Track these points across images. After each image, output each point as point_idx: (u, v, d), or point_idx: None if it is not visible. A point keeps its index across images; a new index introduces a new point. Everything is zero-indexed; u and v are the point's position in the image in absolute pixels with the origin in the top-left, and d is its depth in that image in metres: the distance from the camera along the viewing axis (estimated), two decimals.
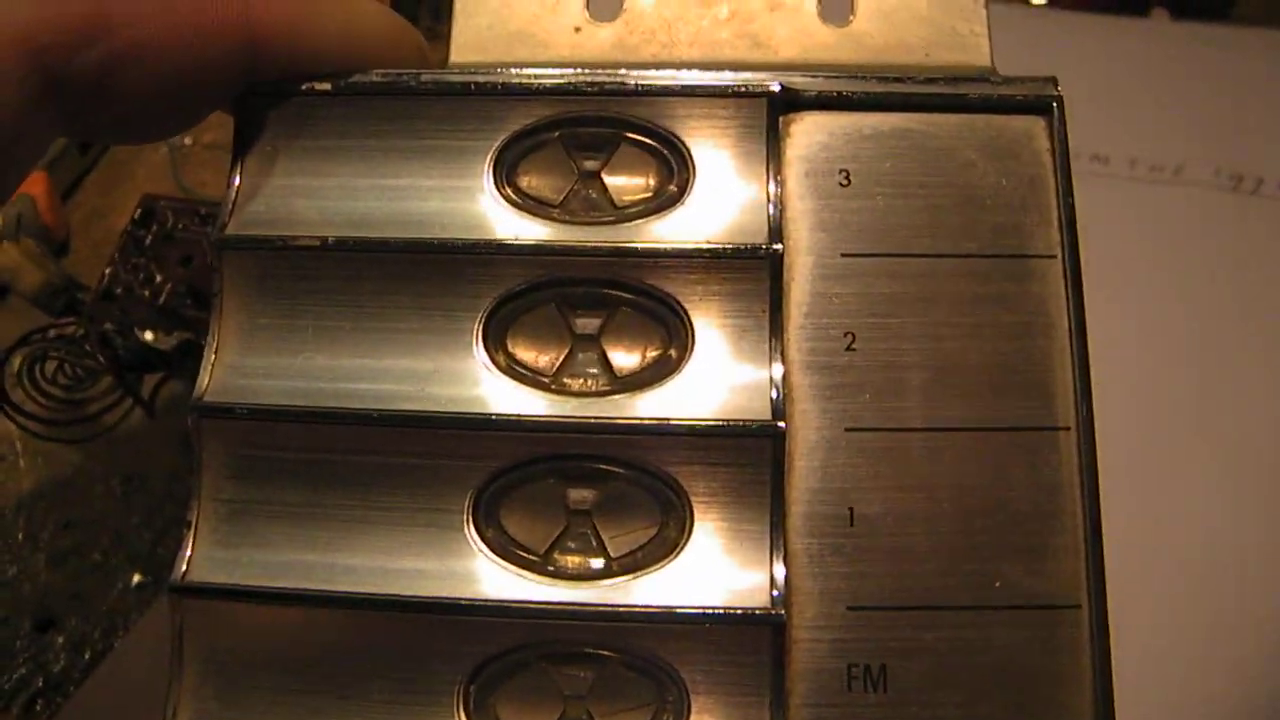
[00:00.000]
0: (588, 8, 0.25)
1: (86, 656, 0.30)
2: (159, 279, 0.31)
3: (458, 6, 0.25)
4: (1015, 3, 0.21)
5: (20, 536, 0.32)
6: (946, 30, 0.24)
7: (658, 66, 0.24)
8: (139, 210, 0.31)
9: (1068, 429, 0.21)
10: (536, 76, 0.22)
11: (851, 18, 0.25)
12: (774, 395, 0.20)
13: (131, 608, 0.31)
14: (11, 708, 0.27)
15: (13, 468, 0.34)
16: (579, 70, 0.22)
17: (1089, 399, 0.21)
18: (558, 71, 0.23)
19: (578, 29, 0.25)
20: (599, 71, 0.22)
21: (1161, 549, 0.28)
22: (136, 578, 0.32)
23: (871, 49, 0.24)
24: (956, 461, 0.21)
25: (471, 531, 0.20)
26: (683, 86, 0.22)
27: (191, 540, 0.20)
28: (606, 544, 0.20)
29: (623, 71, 0.22)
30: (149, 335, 0.31)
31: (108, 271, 0.31)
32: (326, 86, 0.22)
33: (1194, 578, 0.32)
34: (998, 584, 0.20)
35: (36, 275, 0.33)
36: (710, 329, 0.21)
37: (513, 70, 0.23)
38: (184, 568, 0.20)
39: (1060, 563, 0.20)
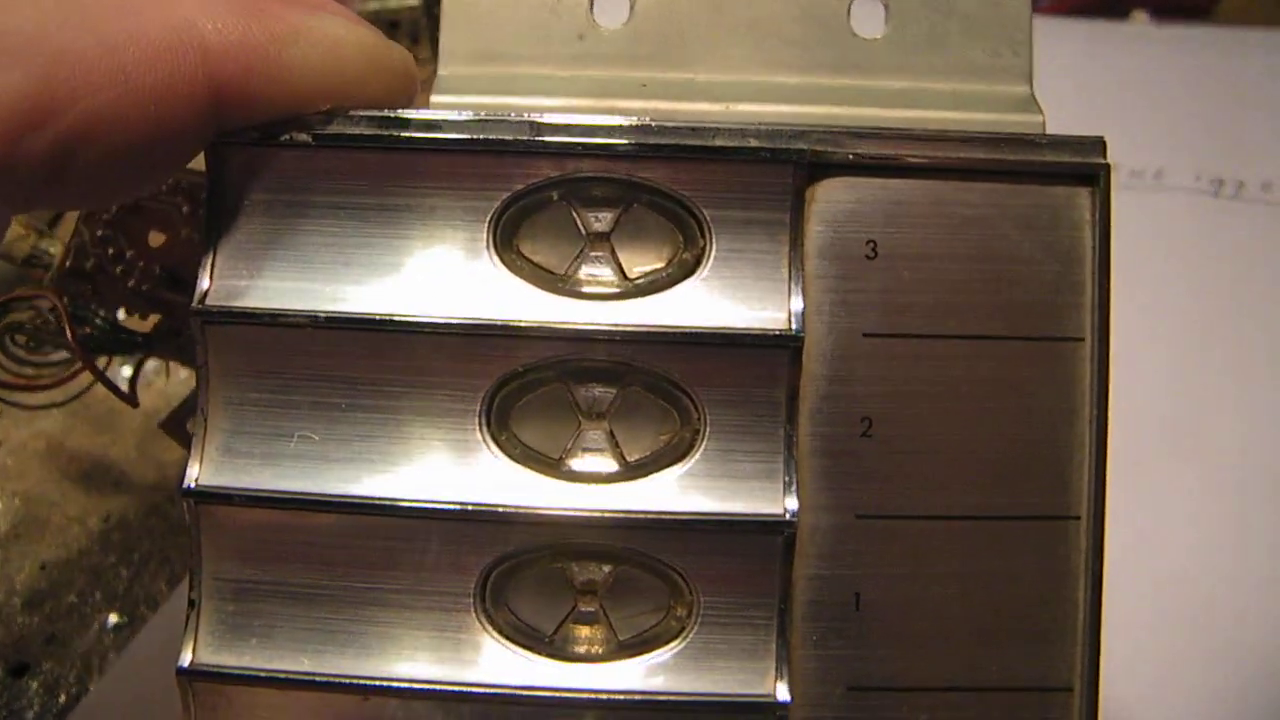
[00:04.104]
0: (592, 11, 0.22)
1: (61, 700, 0.30)
2: (130, 254, 0.29)
3: (446, 10, 0.22)
4: None
5: None
6: (985, 50, 0.22)
7: (669, 93, 0.22)
8: None
9: (1077, 518, 0.21)
10: (537, 125, 0.20)
11: (885, 29, 0.22)
12: (787, 491, 0.20)
13: (108, 649, 0.32)
14: None
15: None
16: (583, 117, 0.20)
17: (1102, 488, 0.21)
18: (560, 107, 0.21)
19: (581, 36, 0.22)
20: (606, 119, 0.20)
21: (1140, 556, 0.29)
22: (113, 618, 0.32)
23: (903, 68, 0.22)
24: (966, 549, 0.21)
25: (479, 613, 0.20)
26: (700, 147, 0.20)
27: (195, 621, 0.20)
28: (615, 626, 0.21)
29: (633, 120, 0.20)
30: (123, 315, 0.29)
31: (73, 244, 0.29)
32: (307, 138, 0.20)
33: (1173, 580, 0.33)
34: (995, 667, 0.21)
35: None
36: (723, 413, 0.20)
37: (510, 102, 0.21)
38: (190, 649, 0.20)
39: (1058, 647, 0.21)
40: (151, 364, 0.35)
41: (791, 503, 0.20)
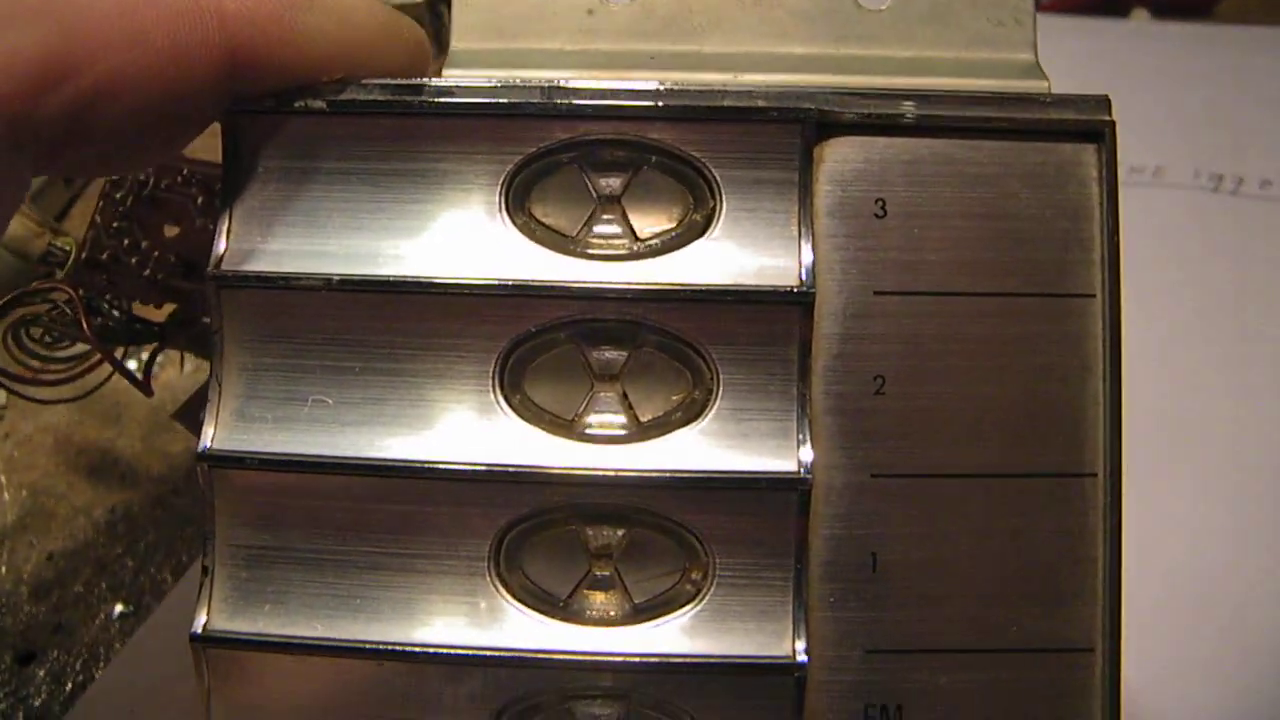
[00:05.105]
0: None
1: (68, 688, 0.31)
2: (145, 245, 0.29)
3: None
4: None
5: (3, 570, 0.32)
6: (989, 20, 0.22)
7: (678, 64, 0.22)
8: None
9: (1094, 475, 0.21)
10: (549, 89, 0.20)
11: (890, 0, 0.23)
12: (801, 448, 0.20)
13: (114, 638, 0.32)
14: None
15: None
16: (595, 81, 0.20)
17: (1118, 445, 0.21)
18: (571, 77, 0.21)
19: (590, 11, 0.23)
20: (617, 84, 0.20)
21: (1141, 550, 0.29)
22: (119, 608, 0.33)
23: (908, 38, 0.23)
24: (982, 507, 0.21)
25: (492, 576, 0.20)
26: (709, 108, 0.20)
27: (209, 588, 0.20)
28: (630, 590, 0.20)
29: (642, 85, 0.20)
30: (138, 306, 0.30)
31: (89, 235, 0.29)
32: (321, 105, 0.20)
33: (1175, 572, 0.32)
34: (1015, 628, 0.21)
35: (17, 226, 0.31)
36: (736, 372, 0.21)
37: (521, 75, 0.21)
38: (204, 615, 0.20)
39: (1078, 607, 0.21)
40: (158, 357, 0.36)
41: (806, 456, 0.20)
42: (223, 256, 0.20)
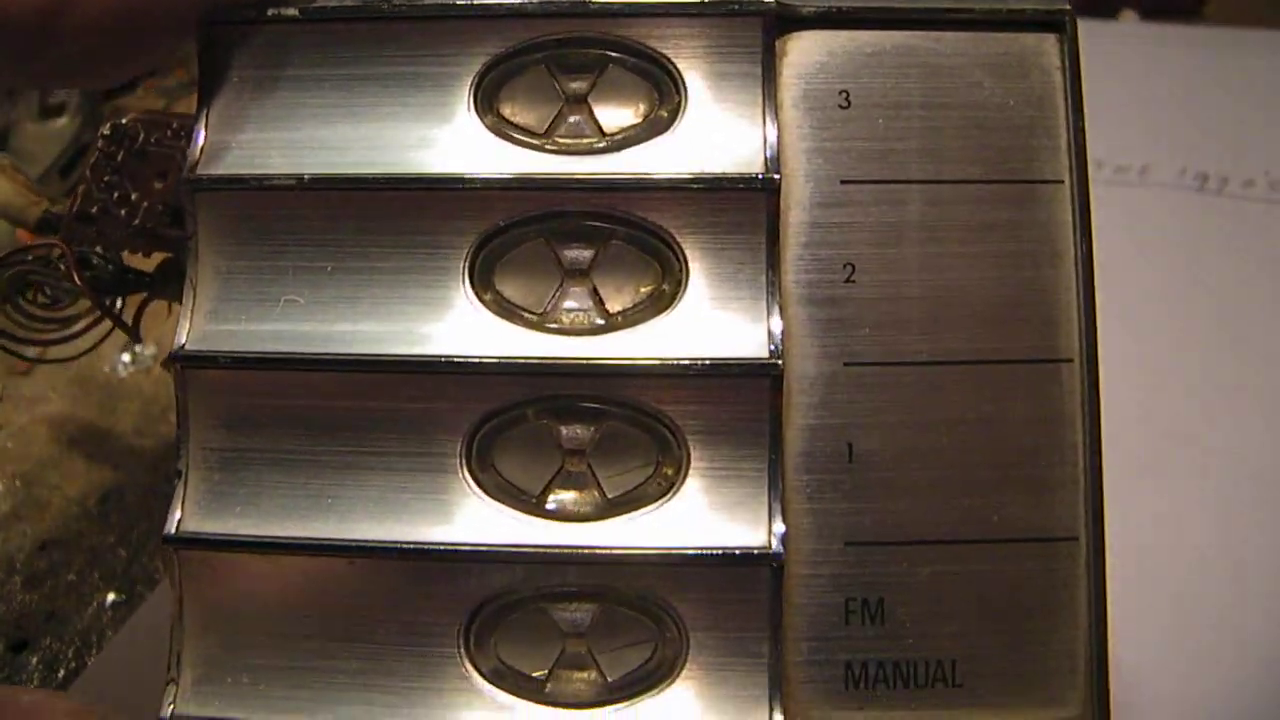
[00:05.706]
0: None
1: (60, 675, 0.31)
2: (134, 197, 0.30)
3: None
4: None
5: None
6: None
7: None
8: (107, 126, 0.30)
9: (1070, 360, 0.20)
10: None
11: None
12: (772, 333, 0.20)
13: (106, 626, 0.32)
14: None
15: None
16: None
17: (1093, 329, 0.21)
18: None
19: None
20: None
21: (1130, 557, 0.28)
22: (111, 596, 0.33)
23: None
24: (957, 395, 0.21)
25: (465, 473, 0.20)
26: (673, 3, 0.20)
27: (183, 490, 0.20)
28: (604, 485, 0.20)
29: None
30: (128, 255, 0.30)
31: (80, 190, 0.30)
32: (293, 12, 0.21)
33: (1179, 592, 0.32)
34: (995, 518, 0.20)
35: (13, 194, 0.32)
36: (705, 262, 0.21)
37: None
38: (177, 516, 0.20)
39: (1059, 495, 0.21)
40: (151, 349, 0.36)
41: (777, 335, 0.20)
42: (197, 162, 0.21)
